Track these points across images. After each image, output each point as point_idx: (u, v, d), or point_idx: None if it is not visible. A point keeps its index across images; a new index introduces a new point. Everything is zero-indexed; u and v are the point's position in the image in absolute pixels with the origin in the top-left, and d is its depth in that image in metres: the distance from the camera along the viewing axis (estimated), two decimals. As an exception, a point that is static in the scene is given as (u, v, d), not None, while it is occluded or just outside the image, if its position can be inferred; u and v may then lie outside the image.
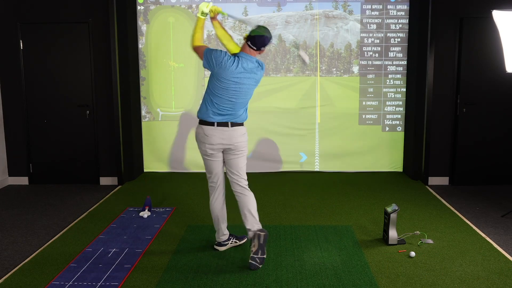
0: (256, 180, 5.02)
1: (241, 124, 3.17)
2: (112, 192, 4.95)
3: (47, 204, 4.56)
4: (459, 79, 5.04)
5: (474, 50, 4.96)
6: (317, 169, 5.65)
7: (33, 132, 5.26)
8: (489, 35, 4.79)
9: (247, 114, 3.21)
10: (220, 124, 3.09)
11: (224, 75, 2.99)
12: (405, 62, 5.41)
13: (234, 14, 3.10)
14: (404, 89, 5.47)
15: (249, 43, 3.02)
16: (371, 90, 5.50)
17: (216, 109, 3.07)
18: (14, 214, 4.26)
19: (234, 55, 3.06)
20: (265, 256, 3.05)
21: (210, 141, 3.11)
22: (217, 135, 3.09)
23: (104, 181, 5.33)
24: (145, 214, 4.09)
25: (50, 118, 5.23)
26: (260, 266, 3.03)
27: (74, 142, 5.27)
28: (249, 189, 3.22)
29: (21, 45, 5.13)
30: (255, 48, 3.02)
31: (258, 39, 2.99)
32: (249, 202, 3.16)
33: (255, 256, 3.02)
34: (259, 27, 3.03)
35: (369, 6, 5.34)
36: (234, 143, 3.11)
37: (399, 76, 5.46)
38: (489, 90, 5.01)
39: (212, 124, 3.09)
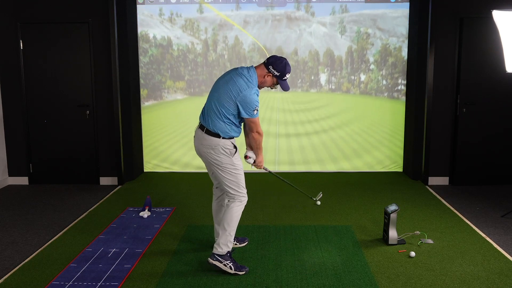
0: (256, 180, 5.01)
1: (211, 134, 2.91)
2: (112, 192, 4.95)
3: (47, 204, 4.56)
4: (459, 79, 5.03)
5: (474, 50, 4.96)
6: (317, 169, 5.65)
7: (33, 132, 5.26)
8: (489, 35, 4.79)
9: (226, 126, 2.88)
10: (199, 125, 3.03)
11: None
12: (405, 62, 5.41)
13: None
14: (404, 89, 5.47)
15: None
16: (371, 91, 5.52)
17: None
18: (14, 214, 4.26)
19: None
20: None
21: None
22: (195, 135, 3.05)
23: (104, 181, 5.33)
24: (145, 214, 4.09)
25: (50, 118, 5.23)
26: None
27: (74, 142, 5.27)
28: (231, 205, 2.97)
29: (21, 45, 5.12)
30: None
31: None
32: (222, 217, 3.02)
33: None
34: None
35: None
36: (200, 151, 2.99)
37: (398, 76, 5.46)
38: (489, 90, 5.01)
39: (200, 123, 3.04)
